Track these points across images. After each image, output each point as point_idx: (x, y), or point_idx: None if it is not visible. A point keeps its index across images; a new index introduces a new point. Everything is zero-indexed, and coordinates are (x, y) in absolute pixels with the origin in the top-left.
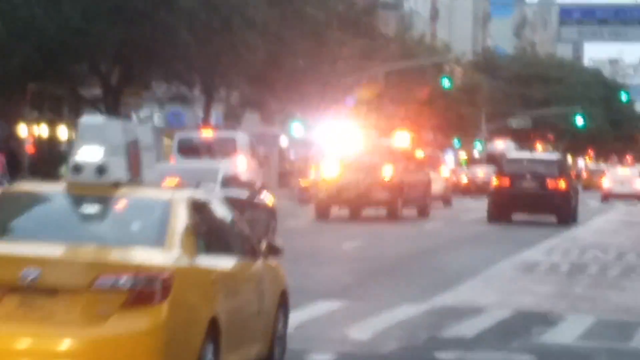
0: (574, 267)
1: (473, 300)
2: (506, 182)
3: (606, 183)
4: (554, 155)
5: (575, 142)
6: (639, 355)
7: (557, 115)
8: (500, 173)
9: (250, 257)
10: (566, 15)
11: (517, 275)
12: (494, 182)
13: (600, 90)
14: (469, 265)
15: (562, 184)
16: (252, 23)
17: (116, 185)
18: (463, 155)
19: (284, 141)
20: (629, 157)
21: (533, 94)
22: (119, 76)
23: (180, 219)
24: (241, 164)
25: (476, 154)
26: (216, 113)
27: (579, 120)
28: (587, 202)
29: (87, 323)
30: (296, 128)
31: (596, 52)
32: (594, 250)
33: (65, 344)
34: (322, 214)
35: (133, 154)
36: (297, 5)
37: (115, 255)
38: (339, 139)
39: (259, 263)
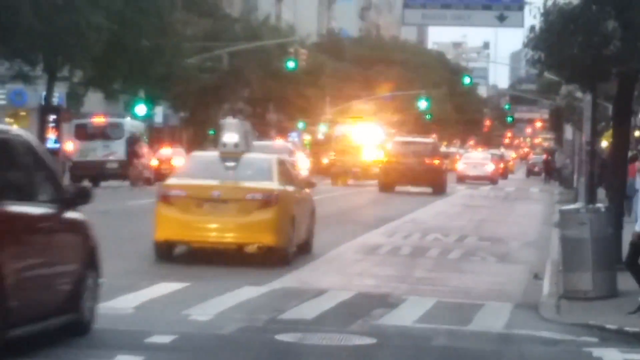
0: (415, 249)
1: (314, 282)
2: (392, 159)
3: (460, 166)
4: (430, 139)
5: (418, 125)
6: (478, 336)
7: (400, 98)
8: (387, 152)
9: (298, 187)
10: None
11: (358, 258)
12: (383, 159)
13: (443, 73)
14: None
15: (436, 162)
16: (96, 2)
17: (244, 152)
18: (307, 138)
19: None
20: (472, 141)
21: (377, 76)
22: None
23: (276, 168)
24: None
25: (321, 136)
26: (59, 92)
27: (422, 104)
28: None
29: (242, 215)
30: (139, 109)
31: (440, 36)
32: (435, 233)
33: (233, 224)
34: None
35: (246, 137)
36: None
37: (253, 184)
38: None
39: (303, 191)
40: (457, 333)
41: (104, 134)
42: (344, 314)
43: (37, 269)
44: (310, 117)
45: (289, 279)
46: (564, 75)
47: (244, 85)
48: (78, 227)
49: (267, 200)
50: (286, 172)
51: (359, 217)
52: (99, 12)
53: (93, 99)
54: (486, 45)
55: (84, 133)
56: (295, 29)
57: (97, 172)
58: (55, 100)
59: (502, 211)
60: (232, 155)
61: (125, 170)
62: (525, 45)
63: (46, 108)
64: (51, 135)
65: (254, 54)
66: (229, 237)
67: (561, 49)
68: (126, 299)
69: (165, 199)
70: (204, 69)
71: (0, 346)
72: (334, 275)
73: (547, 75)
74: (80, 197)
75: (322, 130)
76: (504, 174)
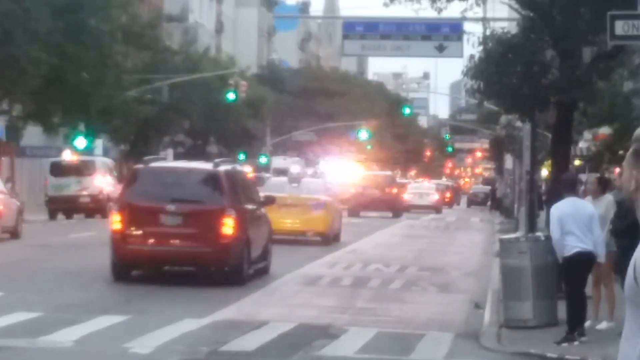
0: (356, 280)
1: (255, 313)
2: (359, 190)
3: (407, 195)
4: (388, 172)
5: (359, 156)
6: None
7: (341, 128)
8: (354, 183)
9: (333, 200)
10: (349, 29)
11: (300, 289)
12: (351, 191)
13: (384, 104)
14: (253, 278)
15: (394, 190)
16: (35, 36)
17: (302, 177)
18: (248, 169)
19: (67, 154)
20: (413, 171)
21: (317, 107)
22: None
23: (323, 187)
24: (99, 181)
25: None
26: None
27: (363, 134)
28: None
29: (305, 214)
30: (79, 142)
31: (381, 67)
32: (376, 264)
33: (299, 219)
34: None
35: (302, 169)
36: (80, 18)
37: (310, 195)
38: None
39: (336, 202)
40: None
41: (77, 170)
42: (285, 346)
43: (256, 238)
44: (251, 148)
45: (230, 311)
46: (504, 104)
47: (184, 118)
48: (265, 217)
49: (319, 205)
50: (327, 190)
51: (300, 248)
52: (38, 46)
53: (32, 132)
54: (426, 76)
55: (58, 169)
56: (235, 60)
57: (71, 206)
58: None
59: (443, 241)
60: (296, 179)
61: (97, 204)
62: (465, 74)
63: None
64: None
65: (194, 86)
66: (297, 227)
67: (500, 79)
68: (66, 333)
69: None
70: (143, 101)
71: (247, 277)
72: (275, 307)
73: (487, 105)
74: (268, 202)
75: (261, 161)
76: (451, 202)
